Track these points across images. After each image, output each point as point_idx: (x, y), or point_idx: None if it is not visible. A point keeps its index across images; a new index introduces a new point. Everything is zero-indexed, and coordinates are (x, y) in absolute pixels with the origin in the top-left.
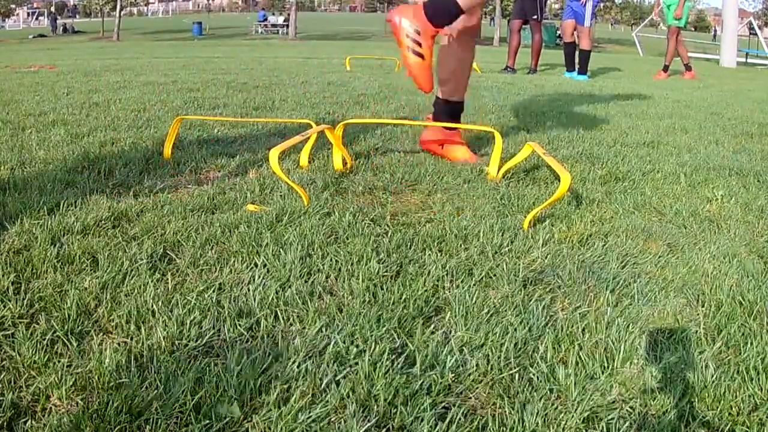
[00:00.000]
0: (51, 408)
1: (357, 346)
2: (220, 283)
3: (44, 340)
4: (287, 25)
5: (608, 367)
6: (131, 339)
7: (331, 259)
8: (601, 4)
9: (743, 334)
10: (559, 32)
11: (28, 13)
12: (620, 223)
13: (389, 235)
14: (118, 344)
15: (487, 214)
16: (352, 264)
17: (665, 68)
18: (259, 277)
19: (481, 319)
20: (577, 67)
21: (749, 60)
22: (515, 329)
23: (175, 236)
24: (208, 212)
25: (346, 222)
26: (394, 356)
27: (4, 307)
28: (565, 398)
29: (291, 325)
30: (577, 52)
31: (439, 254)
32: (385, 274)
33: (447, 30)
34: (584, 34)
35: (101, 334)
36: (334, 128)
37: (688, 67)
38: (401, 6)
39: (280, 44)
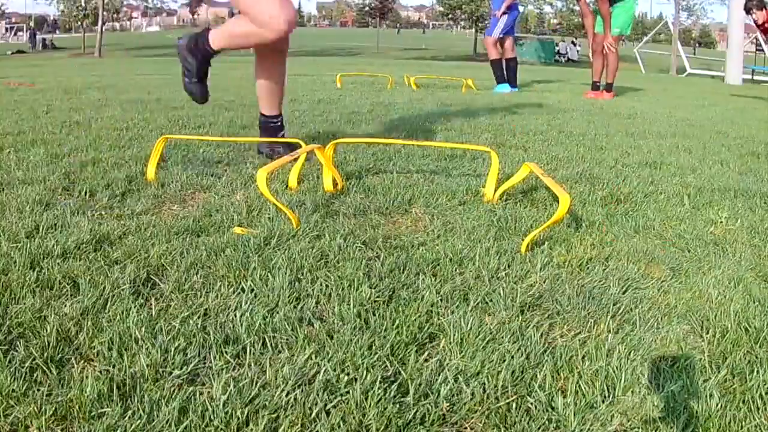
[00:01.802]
0: None
1: (348, 375)
2: (205, 309)
3: (23, 367)
4: None
5: (609, 396)
6: (113, 367)
7: (321, 284)
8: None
9: (749, 361)
10: (557, 49)
11: (6, 29)
12: (621, 246)
13: (381, 258)
14: (100, 372)
15: (483, 236)
16: (342, 289)
17: (609, 86)
18: (246, 302)
19: (477, 346)
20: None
21: (755, 77)
22: (512, 356)
23: (159, 260)
24: (193, 235)
25: (336, 245)
26: (386, 385)
27: None
28: (565, 428)
29: (279, 352)
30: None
31: (433, 279)
32: (377, 299)
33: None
34: (488, 44)
35: (82, 361)
36: (325, 148)
37: (600, 86)
38: None
39: None
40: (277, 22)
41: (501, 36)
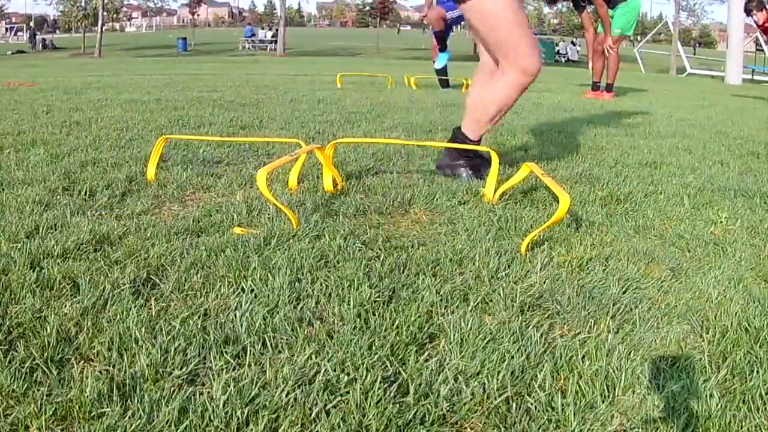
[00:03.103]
0: None
1: (348, 375)
2: (205, 309)
3: (23, 367)
4: (275, 41)
5: (609, 396)
6: (113, 367)
7: (321, 284)
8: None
9: (749, 361)
10: (557, 49)
11: (6, 29)
12: (621, 246)
13: (381, 258)
14: (100, 372)
15: (483, 237)
16: (342, 289)
17: (609, 87)
18: (246, 302)
19: (477, 346)
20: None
21: (755, 77)
22: (512, 356)
23: (159, 260)
24: (193, 235)
25: (336, 245)
26: (386, 385)
27: None
28: (564, 428)
29: (279, 352)
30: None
31: (433, 279)
32: (377, 299)
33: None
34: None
35: (82, 361)
36: (324, 148)
37: (601, 86)
38: None
39: (269, 60)
40: (525, 66)
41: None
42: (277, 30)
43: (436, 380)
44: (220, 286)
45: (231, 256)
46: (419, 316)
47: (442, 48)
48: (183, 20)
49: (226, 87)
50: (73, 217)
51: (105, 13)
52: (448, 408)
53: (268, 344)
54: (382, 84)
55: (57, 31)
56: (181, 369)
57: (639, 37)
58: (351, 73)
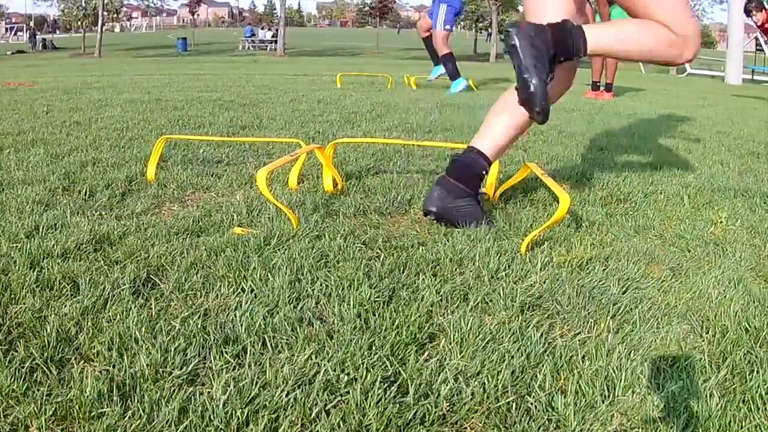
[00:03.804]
0: None
1: (348, 375)
2: (205, 309)
3: (23, 367)
4: (275, 41)
5: (609, 396)
6: (113, 367)
7: (321, 284)
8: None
9: (749, 361)
10: None
11: (6, 29)
12: (621, 246)
13: (381, 258)
14: (100, 372)
15: (482, 236)
16: (342, 289)
17: (608, 86)
18: (246, 302)
19: (477, 346)
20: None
21: (755, 77)
22: (512, 356)
23: (159, 260)
24: (193, 235)
25: (336, 245)
26: (386, 385)
27: None
28: (564, 428)
29: (279, 352)
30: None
31: (433, 279)
32: (377, 299)
33: None
34: (438, 38)
35: (82, 361)
36: (325, 148)
37: (600, 86)
38: None
39: (268, 60)
40: (695, 43)
41: (449, 29)
42: (276, 30)
43: (436, 380)
44: (220, 286)
45: (231, 256)
46: (419, 316)
47: (437, 62)
48: (183, 20)
49: (226, 87)
50: (73, 217)
51: (105, 13)
52: (448, 408)
53: (268, 344)
54: (382, 84)
55: (57, 31)
56: (181, 369)
57: None
58: (351, 73)
